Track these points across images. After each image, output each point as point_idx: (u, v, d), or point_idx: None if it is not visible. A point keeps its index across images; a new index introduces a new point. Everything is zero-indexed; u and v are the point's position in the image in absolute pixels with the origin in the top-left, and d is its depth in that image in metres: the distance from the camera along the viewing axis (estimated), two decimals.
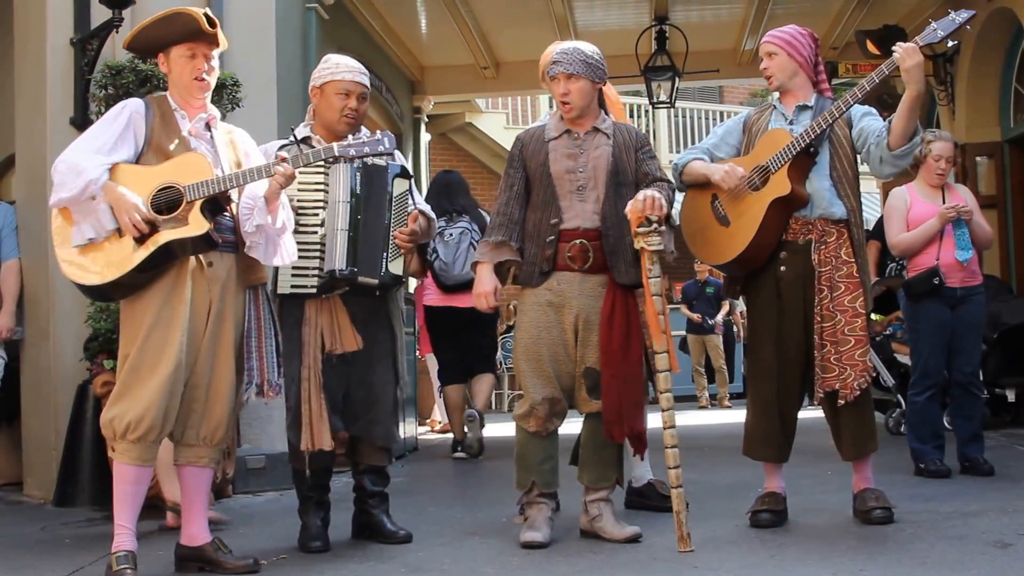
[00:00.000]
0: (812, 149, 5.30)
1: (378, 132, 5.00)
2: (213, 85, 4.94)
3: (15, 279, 7.22)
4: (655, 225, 4.87)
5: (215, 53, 4.89)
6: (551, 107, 5.42)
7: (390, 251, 5.17)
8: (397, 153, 5.22)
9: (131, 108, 4.77)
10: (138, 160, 4.71)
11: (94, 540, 5.55)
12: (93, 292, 4.73)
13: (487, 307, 5.18)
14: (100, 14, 7.02)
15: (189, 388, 4.68)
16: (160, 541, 5.39)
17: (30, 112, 7.49)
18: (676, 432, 4.91)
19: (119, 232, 4.57)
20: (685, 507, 4.91)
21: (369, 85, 5.41)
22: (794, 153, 5.24)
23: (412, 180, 5.39)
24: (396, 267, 5.21)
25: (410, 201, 5.33)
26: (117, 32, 6.76)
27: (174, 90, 4.88)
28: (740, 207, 5.38)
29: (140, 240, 4.54)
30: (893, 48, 5.10)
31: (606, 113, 5.39)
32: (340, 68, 5.34)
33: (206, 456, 4.80)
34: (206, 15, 4.80)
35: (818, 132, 5.23)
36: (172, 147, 4.72)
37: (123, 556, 4.54)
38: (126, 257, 4.54)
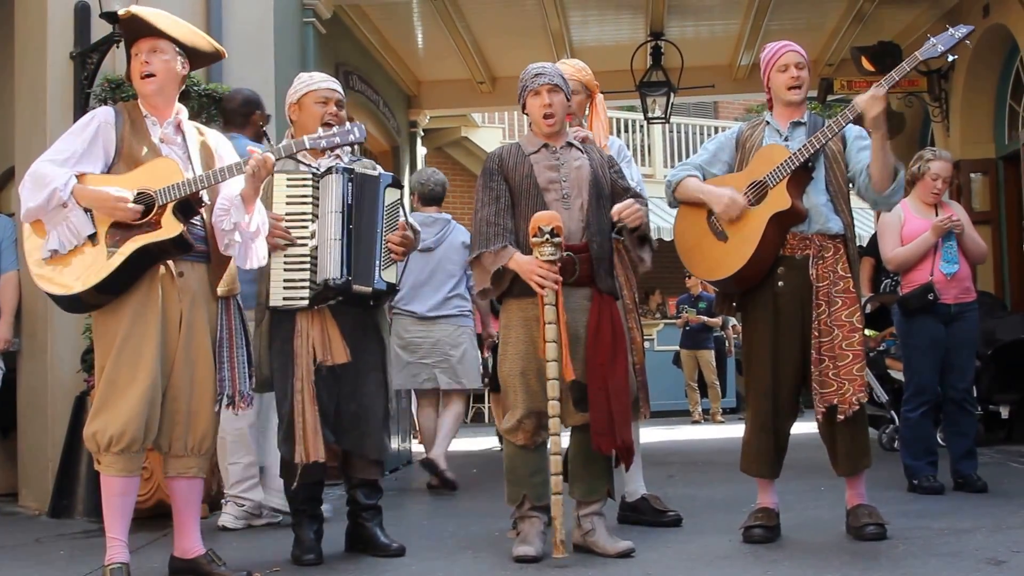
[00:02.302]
0: (810, 164, 5.33)
1: (347, 123, 5.02)
2: (163, 79, 4.82)
3: (13, 291, 7.21)
4: (547, 236, 4.90)
5: (164, 46, 4.81)
6: None
7: (382, 259, 5.20)
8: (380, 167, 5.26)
9: (100, 118, 4.75)
10: (109, 171, 4.68)
11: (89, 552, 5.54)
12: (68, 303, 4.66)
13: (556, 279, 4.94)
14: (100, 28, 7.06)
15: (170, 400, 4.68)
16: (155, 553, 5.39)
17: (30, 125, 7.51)
18: (559, 439, 4.93)
19: (92, 241, 4.55)
20: (563, 513, 4.94)
21: (344, 96, 5.50)
22: (792, 168, 5.27)
23: (403, 190, 5.41)
24: (389, 275, 5.23)
25: (401, 211, 5.37)
26: (117, 47, 6.79)
27: (139, 94, 4.88)
28: (738, 222, 5.38)
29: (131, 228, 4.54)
30: (855, 99, 5.21)
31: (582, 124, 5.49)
32: (315, 79, 5.46)
33: (195, 466, 4.80)
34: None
35: (816, 148, 5.26)
36: (143, 155, 4.70)
37: (117, 568, 4.54)
38: (101, 265, 4.52)
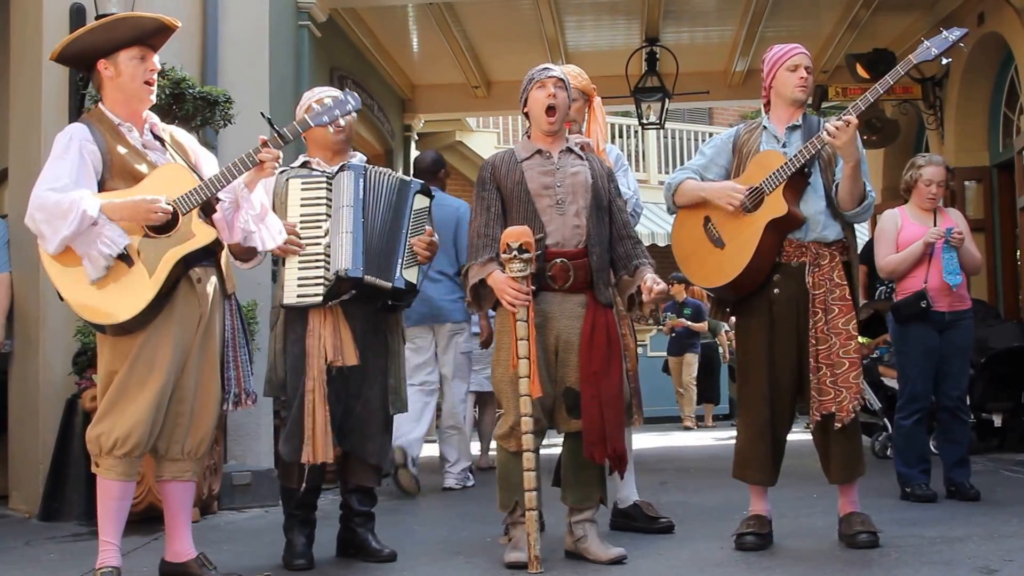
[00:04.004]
0: (806, 170, 5.32)
1: (339, 93, 5.08)
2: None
3: (5, 293, 7.20)
4: (514, 252, 4.90)
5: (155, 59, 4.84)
6: None
7: (405, 258, 5.21)
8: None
9: (78, 137, 4.61)
10: (103, 185, 4.60)
11: (79, 555, 5.53)
12: (118, 328, 4.57)
13: (525, 297, 4.95)
14: None
15: (175, 402, 4.67)
16: (145, 557, 5.37)
17: (24, 126, 7.49)
18: (533, 456, 4.94)
19: (128, 263, 4.50)
20: (537, 529, 4.92)
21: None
22: (789, 174, 5.26)
23: (432, 199, 5.44)
24: (410, 275, 5.24)
25: (429, 218, 5.41)
26: None
27: (118, 97, 4.74)
28: (734, 229, 5.38)
29: (163, 228, 4.53)
30: (826, 125, 5.21)
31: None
32: (315, 92, 5.54)
33: (190, 470, 4.79)
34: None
35: (812, 153, 5.25)
36: (131, 161, 4.65)
37: (108, 572, 4.54)
38: (144, 283, 4.50)
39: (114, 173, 4.63)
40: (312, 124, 4.92)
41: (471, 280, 5.14)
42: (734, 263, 5.34)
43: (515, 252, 4.90)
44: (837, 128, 5.12)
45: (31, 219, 4.51)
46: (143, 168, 4.66)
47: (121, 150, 4.66)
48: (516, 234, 4.94)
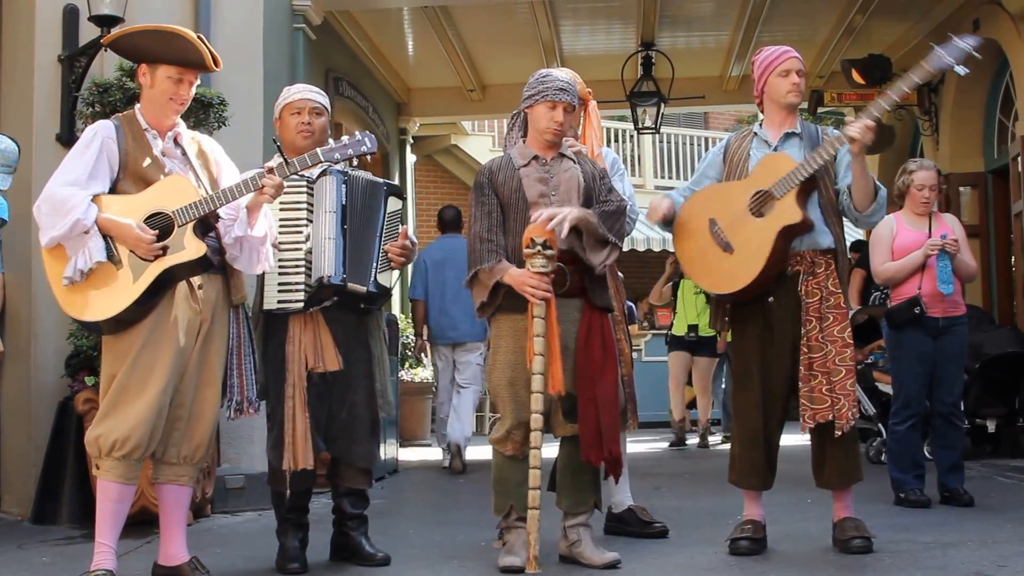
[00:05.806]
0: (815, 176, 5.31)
1: (357, 133, 5.03)
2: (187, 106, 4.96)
3: None
4: (538, 248, 4.88)
5: (197, 79, 4.94)
6: None
7: (380, 263, 5.20)
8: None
9: (102, 134, 4.73)
10: (115, 185, 4.70)
11: (71, 559, 5.52)
12: (94, 326, 4.70)
13: (547, 290, 4.90)
14: (89, 31, 7.03)
15: (174, 407, 4.69)
16: (138, 560, 5.36)
17: (17, 128, 7.46)
18: (539, 453, 4.93)
19: (115, 263, 4.56)
20: (537, 529, 4.92)
21: (322, 102, 5.43)
22: (801, 180, 5.22)
23: (405, 200, 5.41)
24: (384, 279, 5.24)
25: (401, 220, 5.37)
26: (106, 51, 6.76)
27: (148, 106, 4.86)
28: (744, 234, 5.34)
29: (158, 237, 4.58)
30: (845, 125, 5.17)
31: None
32: (290, 91, 5.48)
33: (186, 475, 4.81)
34: (211, 53, 4.84)
35: (827, 158, 5.23)
36: (147, 168, 4.71)
37: (102, 575, 4.54)
38: (128, 288, 4.55)
39: (127, 175, 4.72)
40: (323, 159, 4.90)
41: (488, 283, 5.06)
42: (745, 270, 5.29)
43: (539, 248, 4.88)
44: (861, 130, 5.08)
45: (37, 209, 4.64)
46: (156, 175, 4.73)
47: (139, 155, 4.74)
48: (540, 230, 4.92)
